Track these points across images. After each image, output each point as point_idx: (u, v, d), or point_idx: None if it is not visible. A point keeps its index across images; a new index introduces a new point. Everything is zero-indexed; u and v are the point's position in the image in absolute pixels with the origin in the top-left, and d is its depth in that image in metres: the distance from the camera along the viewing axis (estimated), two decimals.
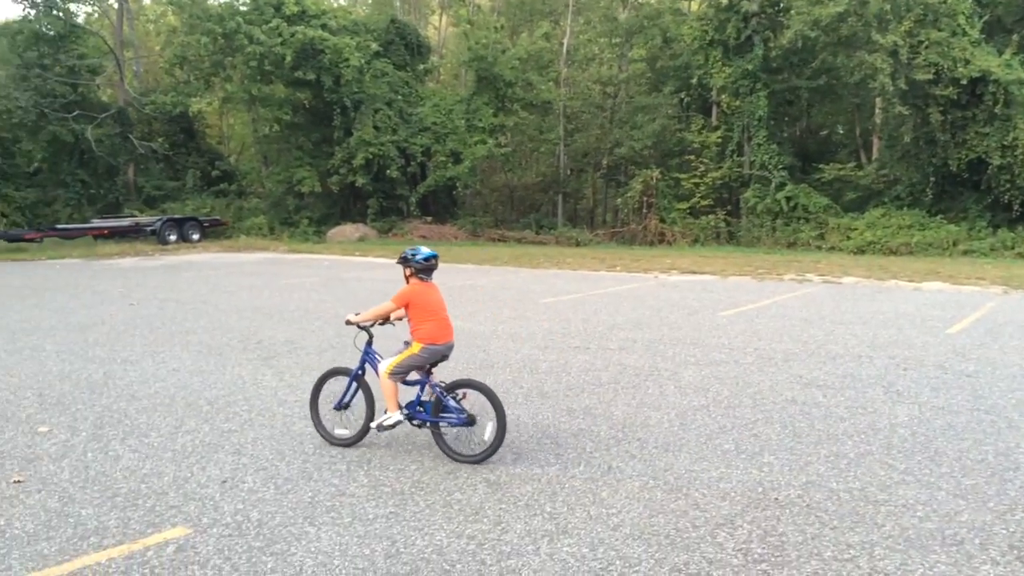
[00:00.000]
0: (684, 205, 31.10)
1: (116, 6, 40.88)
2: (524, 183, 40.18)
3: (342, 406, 6.38)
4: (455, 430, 6.04)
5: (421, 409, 6.08)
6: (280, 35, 30.63)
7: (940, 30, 24.51)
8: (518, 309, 13.74)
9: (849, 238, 26.51)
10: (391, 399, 6.02)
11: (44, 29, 34.93)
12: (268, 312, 13.53)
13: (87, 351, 10.15)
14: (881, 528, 4.71)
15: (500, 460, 5.85)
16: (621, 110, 36.42)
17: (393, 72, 33.99)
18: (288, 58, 30.51)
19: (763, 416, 6.99)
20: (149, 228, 30.25)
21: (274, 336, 11.16)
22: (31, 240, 28.85)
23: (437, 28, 49.46)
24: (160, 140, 38.18)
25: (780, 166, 29.00)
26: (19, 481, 5.50)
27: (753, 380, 8.32)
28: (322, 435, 6.42)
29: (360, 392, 6.32)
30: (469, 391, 5.96)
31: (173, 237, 30.16)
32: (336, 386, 6.48)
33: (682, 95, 33.95)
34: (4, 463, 5.88)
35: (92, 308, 14.17)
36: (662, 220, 30.74)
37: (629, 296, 15.50)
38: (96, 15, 42.91)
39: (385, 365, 6.01)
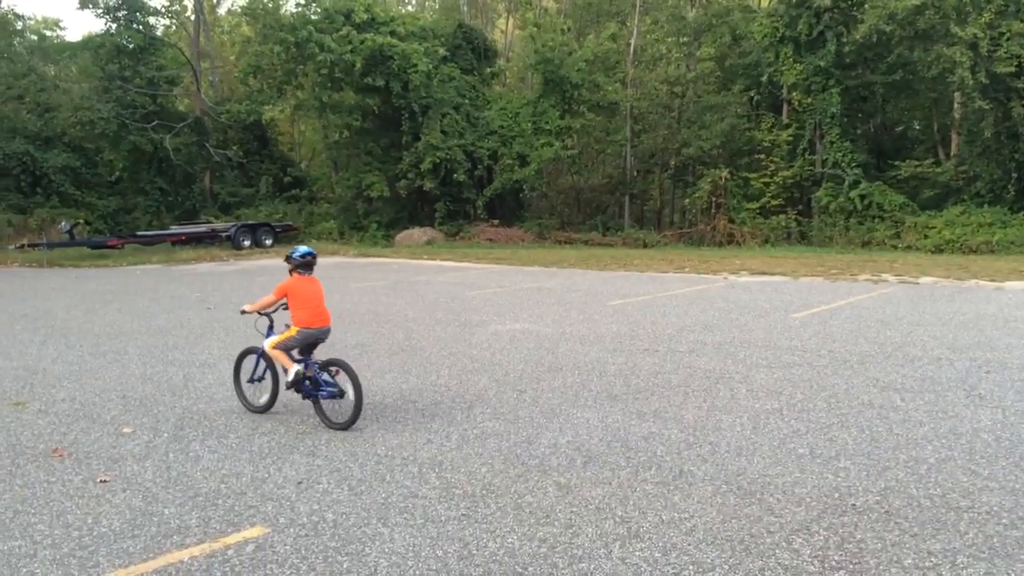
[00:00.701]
0: (754, 205, 30.58)
1: (193, 19, 42.16)
2: (590, 185, 40.02)
3: (254, 379, 7.63)
4: (328, 401, 7.00)
5: (308, 383, 7.06)
6: (350, 43, 31.10)
7: (1023, 21, 23.62)
8: (586, 311, 13.71)
9: (927, 237, 25.73)
10: (285, 361, 7.15)
11: (125, 42, 36.18)
12: (339, 315, 13.70)
13: (167, 354, 10.48)
14: (964, 536, 4.57)
15: (570, 463, 5.85)
16: (689, 110, 35.98)
17: (460, 76, 34.23)
18: (358, 65, 30.98)
19: (838, 420, 6.84)
20: (224, 234, 31.06)
21: (345, 339, 11.35)
22: (113, 247, 29.88)
23: (504, 32, 49.63)
24: (235, 148, 39.18)
25: (854, 164, 28.29)
26: (105, 480, 5.71)
27: (828, 383, 8.15)
28: (243, 404, 7.67)
29: (268, 368, 7.54)
30: (340, 369, 6.94)
31: (247, 242, 30.89)
32: (251, 363, 7.66)
33: (752, 93, 33.39)
34: (91, 463, 6.11)
35: (171, 312, 14.63)
36: (731, 220, 30.30)
37: (698, 298, 15.32)
38: (174, 28, 44.27)
39: (268, 342, 7.30)
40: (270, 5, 35.89)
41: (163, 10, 41.63)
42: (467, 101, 34.12)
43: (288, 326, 7.19)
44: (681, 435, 6.48)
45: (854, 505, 5.02)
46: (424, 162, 32.04)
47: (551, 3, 44.18)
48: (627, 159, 37.48)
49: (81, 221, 33.30)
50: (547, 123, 32.81)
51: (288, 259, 7.30)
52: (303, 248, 7.35)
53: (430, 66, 31.94)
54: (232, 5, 48.45)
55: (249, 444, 6.51)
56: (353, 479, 5.65)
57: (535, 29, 33.58)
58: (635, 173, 38.60)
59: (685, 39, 37.35)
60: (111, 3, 36.16)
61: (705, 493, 5.25)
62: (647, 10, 38.64)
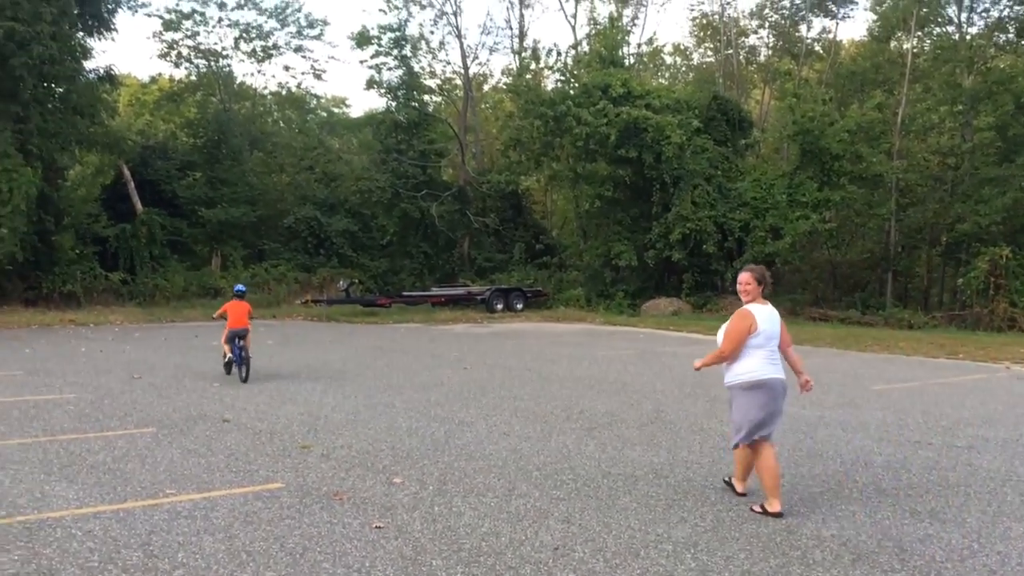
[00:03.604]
0: None
1: (462, 95, 45.38)
2: (848, 260, 38.05)
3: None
4: (237, 367, 13.44)
5: (235, 357, 13.37)
6: (606, 116, 32.00)
7: None
8: (845, 395, 12.95)
9: None
10: (226, 349, 13.56)
11: (401, 118, 39.69)
12: (588, 383, 13.98)
13: (429, 410, 11.14)
14: None
15: (836, 559, 5.52)
16: (964, 182, 33.40)
17: (713, 148, 34.04)
18: (612, 137, 31.76)
19: None
20: (480, 297, 32.68)
21: (595, 407, 11.50)
22: (382, 305, 32.36)
23: (759, 102, 48.94)
24: (492, 215, 41.35)
25: None
26: (379, 527, 6.14)
27: None
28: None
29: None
30: (246, 350, 13.33)
31: (500, 306, 32.28)
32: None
33: None
34: (367, 508, 6.60)
35: (432, 370, 15.55)
36: (1013, 304, 27.47)
37: (976, 388, 14.00)
38: (443, 104, 47.87)
39: (222, 338, 13.69)
40: (532, 82, 37.88)
41: (437, 88, 45.28)
42: (719, 172, 33.79)
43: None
44: (963, 541, 5.92)
45: None
46: (673, 232, 32.01)
47: (811, 73, 43.06)
48: (891, 234, 35.33)
49: (356, 280, 36.45)
50: (804, 195, 31.68)
51: (233, 291, 14.06)
52: (239, 286, 14.32)
53: (683, 138, 32.04)
54: (497, 82, 51.55)
55: (507, 505, 6.74)
56: (608, 551, 5.68)
57: (794, 99, 32.78)
58: (899, 249, 36.24)
59: (960, 107, 34.93)
60: (393, 83, 39.93)
61: None
62: (917, 78, 36.62)
